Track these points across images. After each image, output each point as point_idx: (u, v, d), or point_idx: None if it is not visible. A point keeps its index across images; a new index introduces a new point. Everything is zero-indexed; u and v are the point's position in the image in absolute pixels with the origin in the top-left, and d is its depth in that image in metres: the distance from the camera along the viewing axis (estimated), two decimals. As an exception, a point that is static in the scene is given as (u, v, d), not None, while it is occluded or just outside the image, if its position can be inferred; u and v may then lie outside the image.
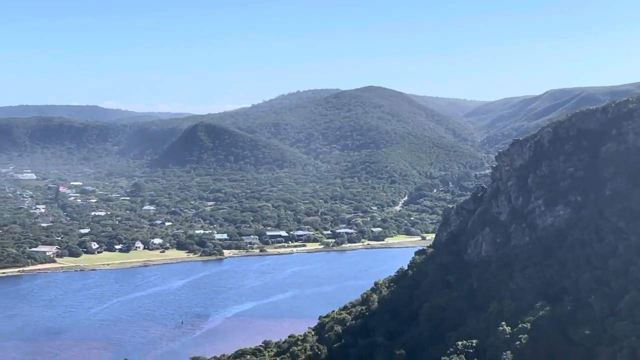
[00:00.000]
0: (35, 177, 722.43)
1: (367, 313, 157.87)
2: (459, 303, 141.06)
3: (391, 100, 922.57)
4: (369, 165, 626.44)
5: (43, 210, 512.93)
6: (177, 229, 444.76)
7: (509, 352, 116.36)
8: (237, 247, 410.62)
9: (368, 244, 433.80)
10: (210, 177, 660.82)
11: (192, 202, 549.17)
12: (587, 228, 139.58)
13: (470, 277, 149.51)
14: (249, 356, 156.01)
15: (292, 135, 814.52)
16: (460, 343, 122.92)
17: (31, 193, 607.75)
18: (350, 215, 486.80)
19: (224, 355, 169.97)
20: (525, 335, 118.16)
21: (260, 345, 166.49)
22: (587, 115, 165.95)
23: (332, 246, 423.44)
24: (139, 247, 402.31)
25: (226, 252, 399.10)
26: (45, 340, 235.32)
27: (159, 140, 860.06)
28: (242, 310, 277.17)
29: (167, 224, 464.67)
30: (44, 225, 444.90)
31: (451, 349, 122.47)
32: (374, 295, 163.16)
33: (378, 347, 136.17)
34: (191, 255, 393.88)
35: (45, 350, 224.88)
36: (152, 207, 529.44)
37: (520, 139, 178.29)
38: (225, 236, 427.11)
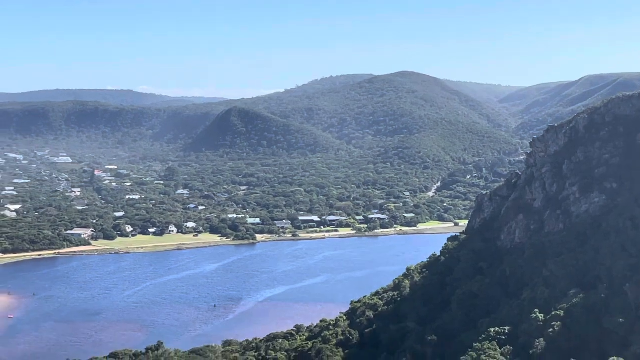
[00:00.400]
0: (70, 161, 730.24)
1: (399, 299, 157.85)
2: (492, 290, 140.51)
3: (425, 86, 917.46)
4: (402, 151, 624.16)
5: (78, 194, 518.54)
6: (210, 213, 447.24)
7: (541, 339, 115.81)
8: (270, 232, 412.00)
9: (400, 229, 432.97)
10: (243, 161, 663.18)
11: (225, 187, 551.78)
12: (622, 215, 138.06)
13: (503, 264, 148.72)
14: (280, 340, 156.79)
15: (325, 120, 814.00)
16: (492, 330, 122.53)
17: (67, 176, 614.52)
18: (382, 201, 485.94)
19: (256, 338, 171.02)
20: (559, 323, 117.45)
21: (292, 330, 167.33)
22: (624, 101, 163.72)
23: (364, 231, 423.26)
24: (172, 231, 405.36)
25: (259, 237, 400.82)
26: (81, 322, 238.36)
27: (193, 125, 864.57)
28: (274, 295, 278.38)
29: (201, 207, 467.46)
30: (80, 208, 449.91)
31: (483, 336, 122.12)
32: (406, 281, 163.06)
33: (410, 333, 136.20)
34: (224, 239, 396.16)
35: (81, 331, 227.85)
36: (185, 191, 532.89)
37: (556, 125, 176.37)
38: (257, 220, 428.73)
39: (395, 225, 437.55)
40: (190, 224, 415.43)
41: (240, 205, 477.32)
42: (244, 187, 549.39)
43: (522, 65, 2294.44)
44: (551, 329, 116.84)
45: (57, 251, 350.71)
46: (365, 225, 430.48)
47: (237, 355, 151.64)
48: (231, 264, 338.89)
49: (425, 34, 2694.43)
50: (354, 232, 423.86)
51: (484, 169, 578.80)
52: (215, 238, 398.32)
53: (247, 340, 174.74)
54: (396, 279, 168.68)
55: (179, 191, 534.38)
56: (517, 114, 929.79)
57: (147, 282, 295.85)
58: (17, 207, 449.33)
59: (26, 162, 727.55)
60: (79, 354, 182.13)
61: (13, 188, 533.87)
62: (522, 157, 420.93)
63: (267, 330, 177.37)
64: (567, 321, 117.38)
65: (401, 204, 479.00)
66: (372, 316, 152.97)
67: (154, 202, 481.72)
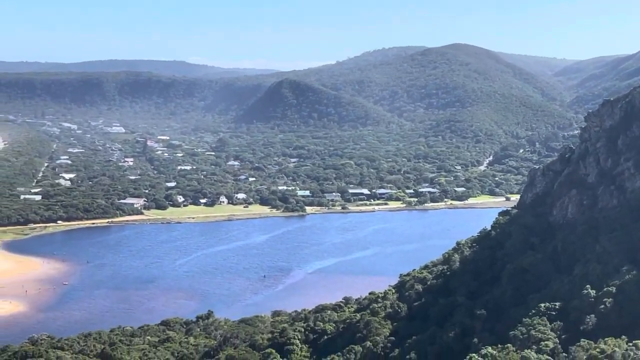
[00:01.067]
0: (124, 131, 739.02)
1: (448, 273, 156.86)
2: (543, 265, 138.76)
3: (478, 58, 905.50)
4: (454, 124, 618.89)
5: (131, 163, 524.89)
6: (261, 185, 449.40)
7: (592, 315, 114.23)
8: (319, 204, 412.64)
9: (451, 203, 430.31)
10: (294, 133, 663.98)
11: (276, 159, 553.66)
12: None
13: (555, 240, 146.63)
14: (329, 311, 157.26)
15: (377, 92, 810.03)
16: (543, 305, 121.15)
17: (120, 146, 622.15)
18: (433, 175, 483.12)
19: (304, 309, 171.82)
20: (610, 299, 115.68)
21: (340, 301, 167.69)
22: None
23: (415, 205, 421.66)
24: (223, 202, 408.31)
25: (308, 209, 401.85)
26: (133, 289, 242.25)
27: (244, 96, 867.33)
28: (323, 267, 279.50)
29: (251, 179, 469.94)
30: (132, 177, 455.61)
31: (533, 311, 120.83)
32: (456, 255, 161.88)
33: (459, 307, 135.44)
34: (274, 210, 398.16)
35: (133, 298, 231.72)
36: (236, 163, 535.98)
37: (611, 99, 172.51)
38: (307, 193, 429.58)
39: (445, 199, 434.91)
40: (241, 195, 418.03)
41: (291, 178, 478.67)
42: (294, 159, 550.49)
43: (578, 38, 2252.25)
44: (602, 306, 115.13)
45: (110, 220, 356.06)
46: (416, 199, 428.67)
47: (285, 325, 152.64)
48: (281, 236, 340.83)
49: (480, 5, 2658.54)
50: (404, 205, 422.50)
51: (537, 143, 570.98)
52: (265, 209, 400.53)
53: (295, 311, 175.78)
54: (446, 252, 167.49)
55: (229, 162, 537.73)
56: (572, 87, 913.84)
57: (198, 252, 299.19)
58: (72, 176, 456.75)
59: (80, 131, 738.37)
60: (131, 321, 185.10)
61: (67, 157, 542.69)
62: (576, 132, 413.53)
63: (316, 301, 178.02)
64: (619, 298, 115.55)
65: (452, 178, 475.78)
66: (421, 290, 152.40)
67: (205, 172, 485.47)
